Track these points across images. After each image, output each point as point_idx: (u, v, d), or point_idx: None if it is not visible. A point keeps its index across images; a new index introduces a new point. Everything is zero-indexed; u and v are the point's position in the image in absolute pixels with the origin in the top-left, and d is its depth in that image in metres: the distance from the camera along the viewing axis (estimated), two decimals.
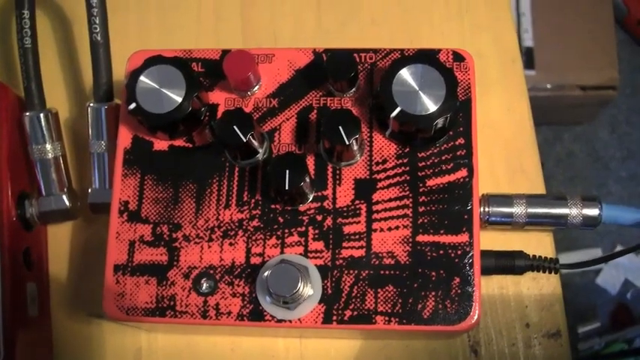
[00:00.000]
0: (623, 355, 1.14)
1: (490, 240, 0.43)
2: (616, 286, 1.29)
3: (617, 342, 1.22)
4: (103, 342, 0.46)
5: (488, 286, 0.45)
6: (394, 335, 0.43)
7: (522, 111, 0.50)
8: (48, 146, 0.45)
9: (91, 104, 0.44)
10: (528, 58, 1.15)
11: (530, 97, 0.51)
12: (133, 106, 0.38)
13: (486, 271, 0.41)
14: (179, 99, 0.38)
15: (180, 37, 0.53)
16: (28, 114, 0.45)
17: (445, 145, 0.39)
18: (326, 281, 0.37)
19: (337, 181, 0.39)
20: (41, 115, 0.45)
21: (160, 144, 0.40)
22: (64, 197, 0.45)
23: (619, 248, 1.30)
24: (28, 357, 0.43)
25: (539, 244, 0.46)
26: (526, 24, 1.17)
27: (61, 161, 0.46)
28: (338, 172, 0.39)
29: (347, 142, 0.36)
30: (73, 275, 0.48)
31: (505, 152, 0.48)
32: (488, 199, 0.42)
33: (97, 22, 0.44)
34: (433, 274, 0.37)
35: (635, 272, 1.29)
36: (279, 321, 0.37)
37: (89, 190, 0.44)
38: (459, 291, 0.37)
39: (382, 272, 0.37)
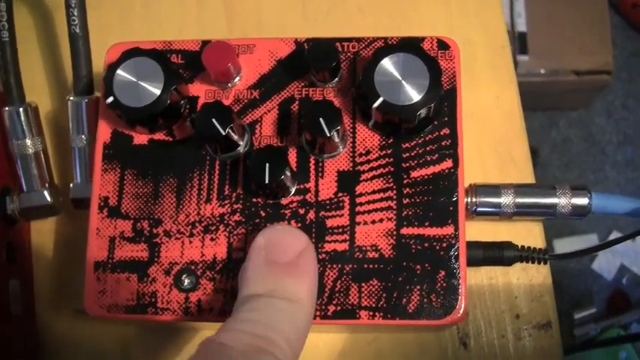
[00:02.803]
0: (619, 341, 1.14)
1: (478, 230, 0.42)
2: (612, 272, 1.29)
3: (613, 327, 1.22)
4: (90, 339, 0.46)
5: (477, 277, 0.45)
6: (383, 329, 0.43)
7: (511, 98, 0.49)
8: (28, 141, 0.44)
9: (71, 98, 0.44)
10: (522, 43, 1.14)
11: (524, 83, 0.50)
12: (110, 99, 0.37)
13: (474, 262, 0.40)
14: (157, 92, 0.37)
15: (164, 27, 0.52)
16: (7, 109, 0.44)
17: (430, 136, 0.38)
18: None
19: (320, 174, 0.38)
20: (20, 109, 0.44)
21: (140, 138, 0.39)
22: (46, 193, 0.44)
23: (614, 234, 1.30)
24: (13, 356, 0.43)
25: (528, 233, 0.45)
26: (519, 8, 1.16)
27: (42, 156, 0.45)
28: (320, 164, 0.38)
29: (328, 134, 0.35)
30: (57, 271, 0.47)
31: (494, 141, 0.48)
32: (476, 190, 0.41)
33: (76, 14, 0.43)
34: (418, 267, 0.36)
35: (631, 257, 1.29)
36: None
37: (71, 185, 0.43)
38: (445, 284, 0.36)
39: (366, 266, 0.37)
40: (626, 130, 1.38)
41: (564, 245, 1.26)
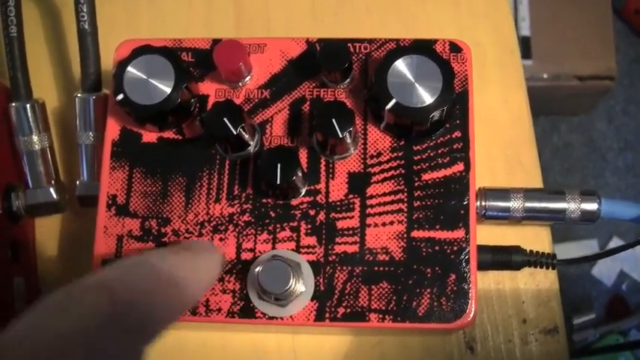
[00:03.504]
0: (618, 349, 1.14)
1: (486, 234, 0.42)
2: (611, 278, 1.29)
3: (612, 333, 1.22)
4: None
5: (484, 282, 0.44)
6: (388, 332, 0.43)
7: (520, 102, 0.49)
8: (35, 138, 0.44)
9: (79, 94, 0.43)
10: (525, 47, 1.14)
11: (526, 87, 0.50)
12: (120, 97, 0.37)
13: (482, 266, 0.40)
14: (168, 90, 0.37)
15: (171, 25, 0.52)
16: (14, 104, 0.44)
17: (441, 138, 0.38)
18: (319, 277, 0.36)
19: (330, 175, 0.38)
20: (28, 105, 0.44)
21: (149, 136, 0.39)
22: (52, 190, 0.44)
23: (615, 239, 1.30)
24: None
25: (536, 238, 0.45)
26: (523, 12, 1.16)
27: (49, 153, 0.44)
28: (331, 165, 0.38)
29: (340, 135, 0.35)
30: (62, 269, 0.47)
31: (502, 144, 0.47)
32: (485, 193, 0.41)
33: (85, 10, 0.43)
34: (428, 270, 0.36)
35: (631, 263, 1.29)
36: (271, 318, 0.36)
37: (77, 183, 0.43)
38: (455, 288, 0.36)
39: (376, 268, 0.36)
40: (626, 136, 1.38)
41: (564, 250, 1.26)
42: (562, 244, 1.26)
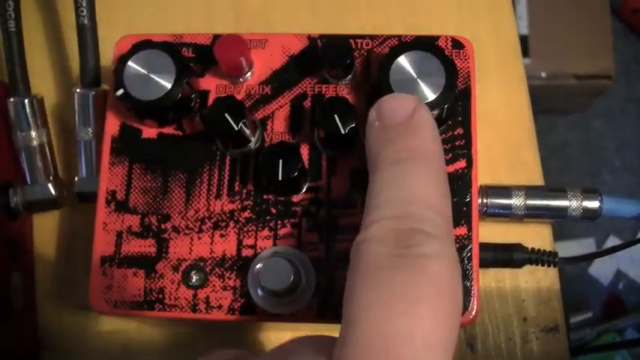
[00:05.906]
0: (615, 347, 1.14)
1: (488, 231, 0.42)
2: (608, 277, 1.30)
3: (608, 332, 1.22)
4: (91, 333, 0.45)
5: (485, 280, 0.44)
6: None
7: (521, 99, 0.49)
8: (33, 133, 0.44)
9: (78, 90, 0.43)
10: (523, 46, 1.13)
11: None
12: (120, 92, 0.36)
13: (484, 264, 0.40)
14: (168, 85, 0.36)
15: (171, 21, 0.52)
16: (12, 100, 0.43)
17: (444, 135, 0.38)
18: (320, 274, 0.36)
19: (332, 172, 0.37)
20: (26, 101, 0.43)
21: (149, 132, 0.39)
22: (50, 186, 0.44)
23: (612, 238, 1.30)
24: (13, 351, 0.42)
25: (537, 236, 0.45)
26: (521, 11, 1.16)
27: (47, 149, 0.44)
28: (333, 161, 0.38)
29: (343, 132, 0.34)
30: (59, 265, 0.46)
31: (503, 142, 0.47)
32: (487, 191, 0.41)
33: (84, 4, 0.43)
34: None
35: (628, 262, 1.29)
36: (272, 315, 0.36)
37: (76, 179, 0.43)
38: None
39: None
40: (624, 135, 1.38)
41: (561, 249, 1.26)
42: (559, 243, 1.26)
